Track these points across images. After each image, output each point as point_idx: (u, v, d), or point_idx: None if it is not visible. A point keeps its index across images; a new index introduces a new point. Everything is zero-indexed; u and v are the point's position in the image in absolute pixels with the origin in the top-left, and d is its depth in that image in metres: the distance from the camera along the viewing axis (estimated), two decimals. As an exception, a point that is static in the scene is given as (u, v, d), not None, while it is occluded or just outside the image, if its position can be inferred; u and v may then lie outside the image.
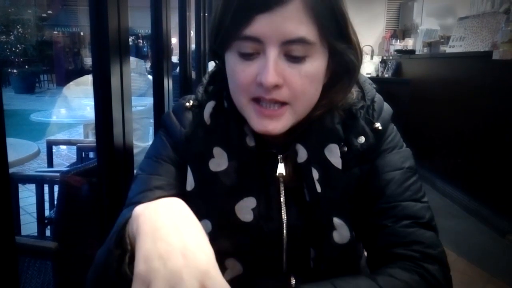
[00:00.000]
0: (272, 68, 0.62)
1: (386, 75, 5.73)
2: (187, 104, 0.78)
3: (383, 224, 0.71)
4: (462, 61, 3.90)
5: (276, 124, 0.66)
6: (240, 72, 0.65)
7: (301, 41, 0.62)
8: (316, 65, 0.65)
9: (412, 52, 5.63)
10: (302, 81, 0.64)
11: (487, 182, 3.25)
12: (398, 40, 6.70)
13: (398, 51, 5.97)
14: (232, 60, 0.66)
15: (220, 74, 0.77)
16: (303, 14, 0.62)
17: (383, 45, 7.16)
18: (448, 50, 4.34)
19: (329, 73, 0.70)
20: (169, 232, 0.46)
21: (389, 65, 5.79)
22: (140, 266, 0.44)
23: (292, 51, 0.63)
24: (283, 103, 0.65)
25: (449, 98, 3.90)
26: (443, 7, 6.11)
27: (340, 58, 0.68)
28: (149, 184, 0.74)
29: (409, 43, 6.21)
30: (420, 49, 5.51)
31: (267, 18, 0.61)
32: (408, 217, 0.70)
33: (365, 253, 0.80)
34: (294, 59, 0.63)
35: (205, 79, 0.81)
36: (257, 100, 0.66)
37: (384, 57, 6.29)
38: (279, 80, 0.63)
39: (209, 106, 0.75)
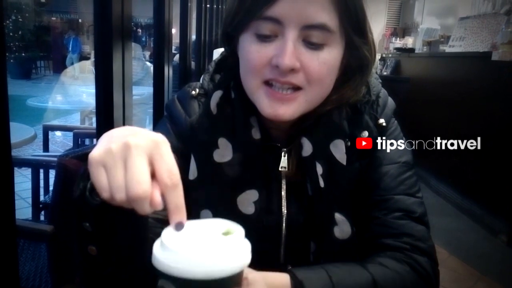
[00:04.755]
0: (290, 50, 0.61)
1: (385, 73, 5.74)
2: (193, 92, 0.77)
3: (374, 216, 0.71)
4: (461, 61, 3.91)
5: (287, 108, 0.65)
6: (255, 53, 0.64)
7: (321, 27, 0.62)
8: (333, 55, 0.65)
9: (411, 50, 5.64)
10: (319, 67, 0.63)
11: (481, 182, 3.28)
12: (398, 38, 6.72)
13: (397, 49, 5.99)
14: (247, 42, 0.65)
15: (227, 62, 0.76)
16: (326, 1, 0.61)
17: (383, 42, 7.17)
18: (447, 49, 4.35)
19: (342, 67, 0.69)
20: (124, 134, 0.47)
21: (388, 63, 5.80)
22: (93, 152, 0.45)
23: (311, 37, 0.62)
24: (296, 88, 0.64)
25: (447, 97, 3.92)
26: (444, 7, 6.12)
27: (356, 53, 0.68)
28: None
29: (409, 41, 6.23)
30: (419, 48, 5.53)
31: (291, 0, 0.60)
32: (400, 210, 0.71)
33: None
34: (313, 45, 0.62)
35: (211, 67, 0.79)
36: (269, 84, 0.65)
37: (384, 55, 6.30)
38: (296, 63, 0.62)
39: (216, 96, 0.73)
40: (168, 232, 0.48)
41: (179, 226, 0.45)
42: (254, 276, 0.55)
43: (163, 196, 0.44)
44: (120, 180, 0.43)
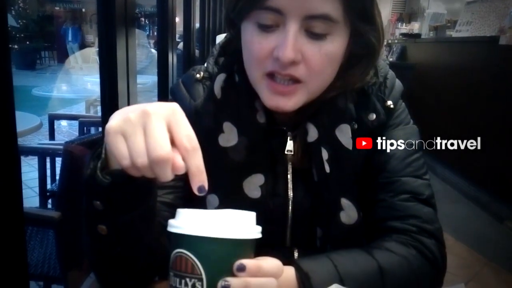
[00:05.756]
0: (291, 43, 0.59)
1: (391, 59, 5.68)
2: (198, 75, 0.76)
3: (380, 198, 0.71)
4: (468, 45, 3.87)
5: (288, 101, 0.65)
6: (257, 44, 0.63)
7: (324, 17, 0.60)
8: (336, 44, 0.63)
9: (417, 36, 5.58)
10: (321, 59, 0.62)
11: (487, 168, 3.26)
12: (404, 24, 6.64)
13: (403, 34, 5.92)
14: (249, 31, 0.64)
15: (232, 45, 0.75)
16: None
17: (389, 28, 7.08)
18: (454, 34, 4.31)
19: (347, 54, 0.67)
20: (139, 105, 0.47)
21: (394, 49, 5.74)
22: (110, 123, 0.46)
23: (314, 28, 0.61)
24: (297, 81, 0.64)
25: (454, 82, 3.88)
26: (451, -9, 6.03)
27: (362, 40, 0.66)
28: None
29: (415, 26, 6.16)
30: (426, 33, 5.48)
31: None
32: (407, 192, 0.70)
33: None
34: (315, 36, 0.61)
35: (215, 50, 0.78)
36: (270, 75, 0.64)
37: (389, 41, 6.23)
38: (297, 56, 0.61)
39: (220, 80, 0.72)
40: (182, 209, 0.50)
41: (201, 189, 0.46)
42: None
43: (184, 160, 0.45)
44: (141, 146, 0.44)
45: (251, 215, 0.51)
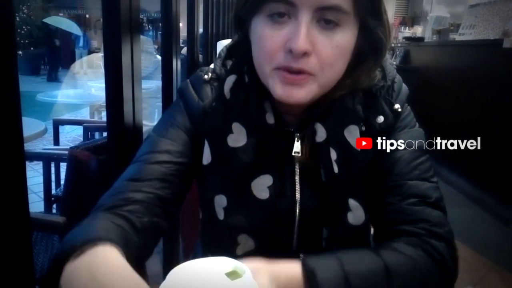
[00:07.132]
0: (303, 33, 0.60)
1: (394, 63, 5.65)
2: (206, 76, 0.77)
3: (389, 202, 0.71)
4: (471, 49, 3.86)
5: (300, 91, 0.64)
6: (269, 38, 0.63)
7: (335, 8, 0.61)
8: (347, 37, 0.64)
9: (421, 39, 5.58)
10: (332, 51, 0.63)
11: (492, 171, 3.24)
12: (407, 28, 6.65)
13: (406, 38, 5.93)
14: (260, 26, 0.65)
15: (239, 48, 0.76)
16: None
17: (392, 32, 7.10)
18: (457, 38, 4.30)
19: (356, 50, 0.68)
20: None
21: (397, 52, 5.75)
22: None
23: (326, 17, 0.61)
24: (308, 74, 0.64)
25: (458, 86, 3.87)
26: (454, -5, 6.04)
27: (370, 35, 0.67)
28: (160, 145, 0.73)
29: (418, 30, 6.17)
30: (429, 37, 5.47)
31: None
32: (415, 196, 0.70)
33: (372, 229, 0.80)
34: (327, 27, 0.62)
35: (223, 52, 0.79)
36: (282, 69, 0.64)
37: (392, 44, 6.23)
38: (309, 47, 0.61)
39: (230, 81, 0.73)
40: (172, 277, 0.45)
41: None
42: (258, 266, 0.54)
43: None
44: None
45: (248, 277, 0.47)
